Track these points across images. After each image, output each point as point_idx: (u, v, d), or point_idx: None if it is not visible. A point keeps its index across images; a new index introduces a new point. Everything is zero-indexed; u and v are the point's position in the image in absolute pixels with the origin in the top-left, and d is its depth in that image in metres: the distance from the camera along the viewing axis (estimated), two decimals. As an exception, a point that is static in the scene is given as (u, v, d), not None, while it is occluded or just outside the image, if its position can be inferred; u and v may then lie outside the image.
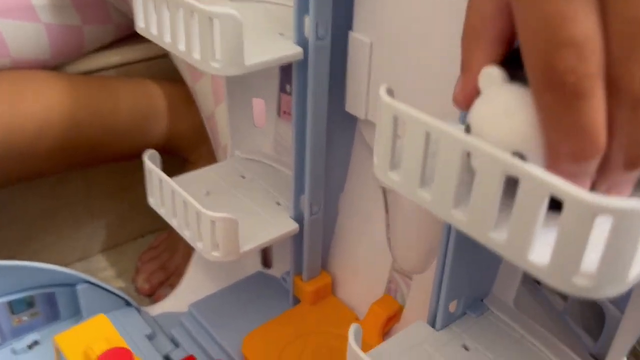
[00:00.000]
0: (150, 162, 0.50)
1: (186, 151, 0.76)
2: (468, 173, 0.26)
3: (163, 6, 0.40)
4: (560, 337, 0.39)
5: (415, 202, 0.28)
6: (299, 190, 0.49)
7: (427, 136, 0.27)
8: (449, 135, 0.25)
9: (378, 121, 0.29)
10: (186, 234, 0.47)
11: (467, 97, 0.26)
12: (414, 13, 0.39)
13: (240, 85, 0.55)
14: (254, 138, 0.58)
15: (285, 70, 0.53)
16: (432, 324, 0.41)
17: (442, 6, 0.37)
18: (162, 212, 0.50)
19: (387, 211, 0.50)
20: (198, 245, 0.46)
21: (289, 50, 0.42)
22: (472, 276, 0.40)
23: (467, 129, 0.27)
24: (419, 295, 0.49)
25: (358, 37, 0.43)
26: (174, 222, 0.48)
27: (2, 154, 0.62)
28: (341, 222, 0.54)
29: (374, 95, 0.44)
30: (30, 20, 0.65)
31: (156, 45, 0.43)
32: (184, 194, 0.46)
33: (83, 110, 0.67)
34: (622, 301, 0.35)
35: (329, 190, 0.51)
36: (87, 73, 0.72)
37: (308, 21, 0.42)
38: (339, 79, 0.45)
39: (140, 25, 0.43)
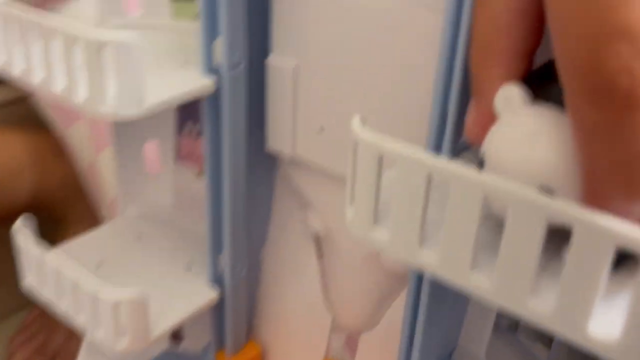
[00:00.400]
0: (23, 235, 0.40)
1: (58, 210, 0.64)
2: (486, 223, 0.20)
3: (30, 36, 0.31)
4: (549, 392, 0.34)
5: (362, 247, 0.22)
6: (216, 249, 0.41)
7: (429, 180, 0.20)
8: (463, 177, 0.19)
9: (350, 164, 0.23)
10: (79, 321, 0.37)
11: (483, 127, 0.20)
12: (345, 27, 0.33)
13: (129, 128, 0.46)
14: (148, 189, 0.49)
15: (185, 107, 0.45)
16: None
17: (378, 15, 0.32)
18: (43, 295, 0.40)
19: (320, 258, 0.43)
20: (97, 335, 0.36)
21: (197, 82, 0.34)
22: (443, 331, 0.34)
23: (481, 164, 0.21)
24: (369, 357, 0.42)
25: (279, 61, 0.36)
26: (61, 307, 0.38)
27: None
28: (266, 280, 0.46)
29: (303, 126, 0.37)
30: None
31: (7, 87, 0.34)
32: (74, 273, 0.36)
33: None
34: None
35: (249, 245, 0.43)
36: None
37: (219, 45, 0.34)
38: (256, 112, 0.38)
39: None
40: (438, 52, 0.27)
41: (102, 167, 0.55)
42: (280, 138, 0.38)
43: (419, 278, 0.31)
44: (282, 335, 0.46)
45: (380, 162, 0.21)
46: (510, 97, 0.20)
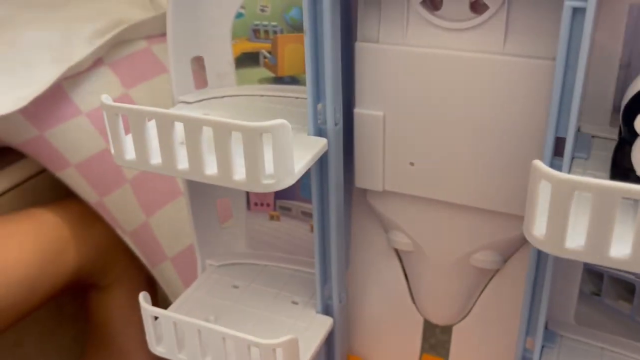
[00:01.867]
0: (147, 308, 0.43)
1: (96, 277, 0.66)
2: None
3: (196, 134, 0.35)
4: (637, 338, 0.42)
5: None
6: (323, 281, 0.46)
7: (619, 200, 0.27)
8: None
9: (531, 195, 0.29)
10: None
11: None
12: (421, 80, 0.39)
13: (201, 188, 0.50)
14: (223, 240, 0.53)
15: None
16: (528, 369, 0.41)
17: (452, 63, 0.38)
18: (180, 357, 0.43)
19: (406, 276, 0.49)
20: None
21: (318, 143, 0.39)
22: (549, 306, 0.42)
23: None
24: (461, 344, 0.49)
25: (368, 113, 0.42)
26: (205, 365, 0.42)
27: None
28: (353, 297, 0.51)
29: (391, 166, 0.43)
30: None
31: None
32: (225, 329, 0.40)
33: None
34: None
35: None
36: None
37: (321, 108, 0.40)
38: (345, 158, 0.44)
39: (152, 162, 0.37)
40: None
41: (156, 228, 0.58)
42: (370, 176, 0.44)
43: (538, 261, 0.38)
44: (378, 343, 0.52)
45: (572, 194, 0.28)
46: None
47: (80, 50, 0.58)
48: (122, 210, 0.60)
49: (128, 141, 0.38)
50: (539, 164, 0.29)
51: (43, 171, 0.64)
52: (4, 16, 0.63)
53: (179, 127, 0.35)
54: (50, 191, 0.65)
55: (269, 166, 0.35)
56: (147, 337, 0.44)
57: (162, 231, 0.60)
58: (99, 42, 0.59)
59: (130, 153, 0.38)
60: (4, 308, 0.55)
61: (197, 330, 0.41)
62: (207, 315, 0.47)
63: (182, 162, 0.37)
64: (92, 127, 0.59)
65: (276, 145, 0.34)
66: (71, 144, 0.59)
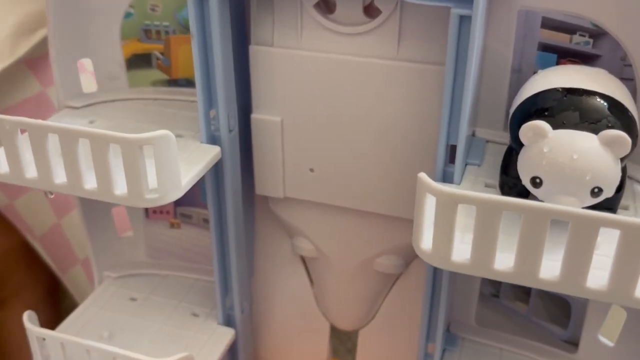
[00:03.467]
0: (30, 323, 0.40)
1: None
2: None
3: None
4: (532, 337, 0.43)
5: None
6: (223, 292, 0.44)
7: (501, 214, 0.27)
8: (532, 208, 0.26)
9: (418, 209, 0.29)
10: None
11: None
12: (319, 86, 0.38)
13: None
14: (121, 250, 0.50)
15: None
16: (429, 374, 0.41)
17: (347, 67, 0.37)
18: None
19: (312, 282, 0.48)
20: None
21: (210, 152, 0.37)
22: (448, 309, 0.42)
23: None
24: (367, 347, 0.48)
25: (265, 118, 0.40)
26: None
27: None
28: (257, 306, 0.50)
29: (291, 172, 0.42)
30: None
31: None
32: (115, 349, 0.38)
33: None
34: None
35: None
36: None
37: (213, 114, 0.38)
38: (244, 163, 0.42)
39: (27, 176, 0.34)
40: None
41: (68, 230, 0.55)
42: (270, 183, 0.43)
43: (435, 267, 0.38)
44: (285, 351, 0.51)
45: (456, 207, 0.27)
46: (537, 129, 0.27)
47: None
48: (33, 213, 0.56)
49: (0, 154, 0.35)
50: (423, 177, 0.28)
51: None
52: None
53: (54, 139, 0.33)
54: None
55: (152, 180, 0.33)
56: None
57: (74, 233, 0.57)
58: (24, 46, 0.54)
59: (3, 167, 0.35)
60: None
61: (86, 350, 0.39)
62: (101, 332, 0.44)
63: (60, 176, 0.34)
64: None
65: (159, 158, 0.32)
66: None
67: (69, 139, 0.32)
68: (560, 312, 0.42)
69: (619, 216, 0.25)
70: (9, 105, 0.54)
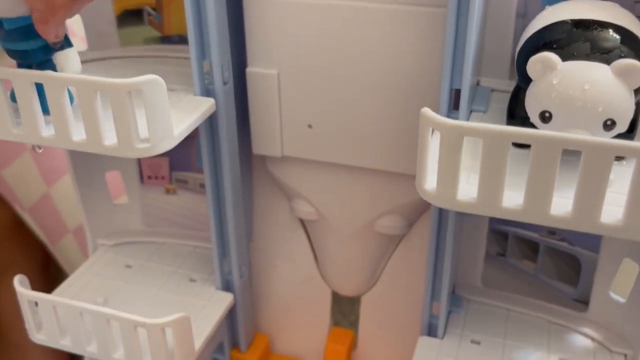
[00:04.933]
0: (24, 291, 0.39)
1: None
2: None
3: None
4: (541, 296, 0.41)
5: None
6: (221, 256, 0.43)
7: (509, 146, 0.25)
8: (548, 138, 0.25)
9: (422, 145, 0.27)
10: (117, 358, 0.38)
11: None
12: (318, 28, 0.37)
13: (87, 160, 0.45)
14: (116, 217, 0.49)
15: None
16: (434, 334, 0.40)
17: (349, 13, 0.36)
18: (63, 343, 0.39)
19: (312, 247, 0.47)
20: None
21: (204, 104, 0.36)
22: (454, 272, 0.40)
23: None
24: (370, 314, 0.47)
25: (262, 72, 0.39)
26: (89, 350, 0.38)
27: None
28: (258, 272, 0.49)
29: (289, 129, 0.40)
30: None
31: None
32: (109, 311, 0.36)
33: None
34: (594, 244, 0.39)
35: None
36: None
37: (207, 66, 0.36)
38: (241, 122, 0.41)
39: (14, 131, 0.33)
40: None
41: (57, 199, 0.54)
42: (268, 142, 0.41)
43: (439, 223, 0.36)
44: (286, 319, 0.49)
45: (462, 141, 0.26)
46: (546, 60, 0.26)
47: None
48: (22, 182, 0.55)
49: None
50: (426, 111, 0.27)
51: None
52: None
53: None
54: None
55: (143, 129, 0.31)
56: (27, 325, 0.40)
57: (63, 202, 0.56)
58: None
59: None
60: None
61: (79, 313, 0.37)
62: (96, 298, 0.43)
63: (48, 129, 0.33)
64: None
65: (149, 104, 0.31)
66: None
67: (55, 87, 0.31)
68: (569, 269, 0.41)
69: (636, 142, 0.23)
70: None
